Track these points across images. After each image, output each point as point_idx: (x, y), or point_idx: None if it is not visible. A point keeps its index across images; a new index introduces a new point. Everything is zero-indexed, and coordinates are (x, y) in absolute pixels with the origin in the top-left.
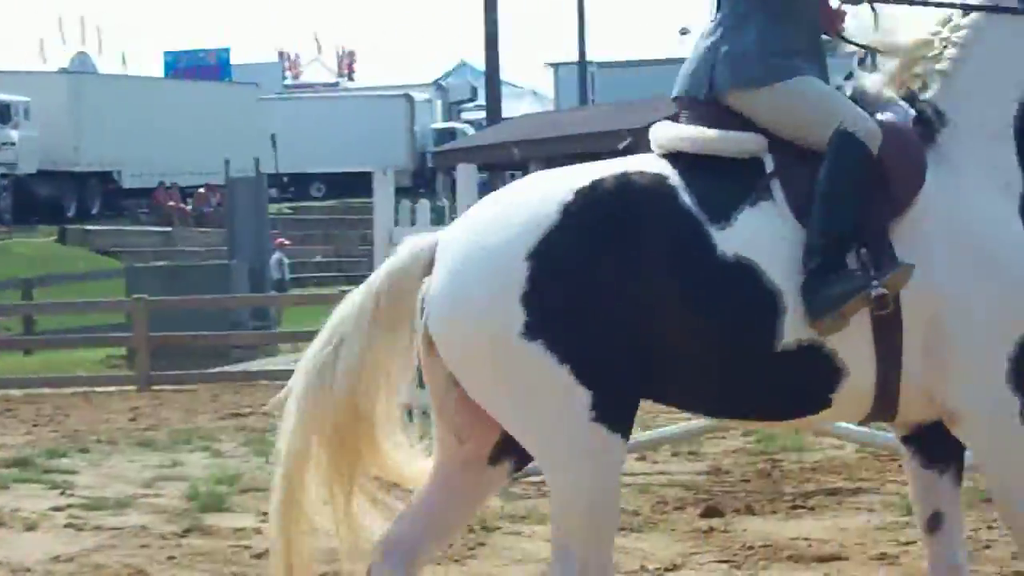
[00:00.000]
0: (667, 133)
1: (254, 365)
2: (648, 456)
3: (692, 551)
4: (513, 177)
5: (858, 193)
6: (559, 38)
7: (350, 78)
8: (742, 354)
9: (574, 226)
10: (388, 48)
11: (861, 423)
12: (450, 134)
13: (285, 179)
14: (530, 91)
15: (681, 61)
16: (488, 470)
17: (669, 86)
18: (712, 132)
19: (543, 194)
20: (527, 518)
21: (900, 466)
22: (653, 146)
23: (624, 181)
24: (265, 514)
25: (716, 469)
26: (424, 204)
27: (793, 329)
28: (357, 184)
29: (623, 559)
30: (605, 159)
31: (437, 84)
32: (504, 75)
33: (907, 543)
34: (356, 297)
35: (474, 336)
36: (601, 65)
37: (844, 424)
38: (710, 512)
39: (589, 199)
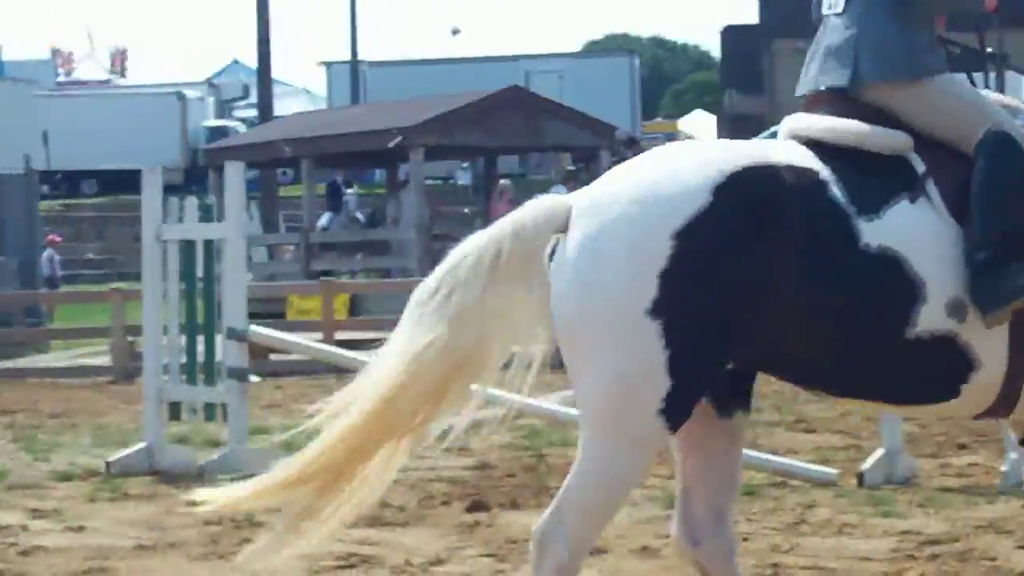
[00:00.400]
0: (808, 123)
1: (23, 362)
2: (416, 451)
3: (457, 545)
4: (285, 175)
5: (1018, 191)
6: (331, 37)
7: (123, 75)
8: (878, 337)
9: (725, 212)
10: (161, 46)
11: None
12: (222, 132)
13: (57, 176)
14: (303, 89)
15: (454, 61)
16: (722, 422)
17: (441, 85)
18: (862, 126)
19: (693, 171)
20: None
21: (662, 459)
22: (785, 135)
23: (775, 171)
24: (33, 511)
25: (483, 464)
26: (192, 201)
27: (930, 319)
28: (129, 181)
29: (388, 554)
30: (377, 157)
31: (209, 82)
32: (276, 73)
33: (668, 536)
34: (473, 246)
35: (601, 300)
36: (373, 64)
37: None
38: (476, 506)
39: (741, 185)
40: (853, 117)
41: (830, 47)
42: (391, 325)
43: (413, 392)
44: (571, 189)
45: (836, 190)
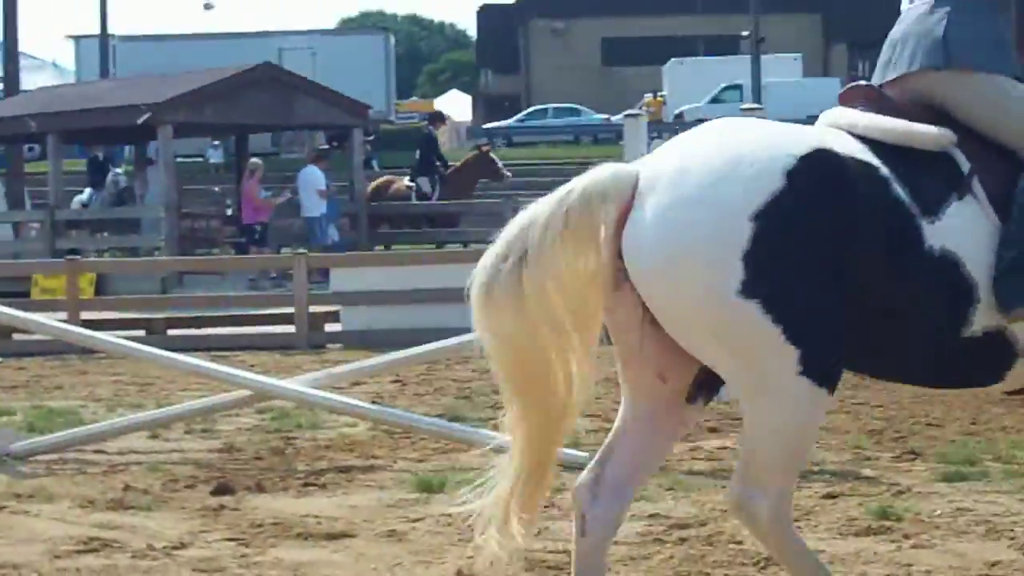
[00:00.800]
0: (852, 119)
1: None
2: (161, 434)
3: (201, 529)
4: (32, 151)
5: None
6: (81, 10)
7: None
8: (935, 336)
9: (800, 195)
10: None
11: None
12: None
13: None
14: (50, 63)
15: (206, 36)
16: (686, 407)
17: (192, 61)
18: (908, 123)
19: (763, 153)
20: (34, 497)
21: (412, 443)
22: (826, 126)
23: (841, 160)
24: None
25: (229, 447)
26: None
27: (983, 318)
28: None
29: (130, 538)
30: (126, 133)
31: None
32: (23, 47)
33: (416, 520)
34: (541, 209)
35: (688, 285)
36: (123, 38)
37: (358, 402)
38: (221, 490)
39: (813, 170)
40: (890, 112)
41: (915, 34)
42: (138, 304)
43: (499, 361)
44: (323, 168)
45: (898, 188)
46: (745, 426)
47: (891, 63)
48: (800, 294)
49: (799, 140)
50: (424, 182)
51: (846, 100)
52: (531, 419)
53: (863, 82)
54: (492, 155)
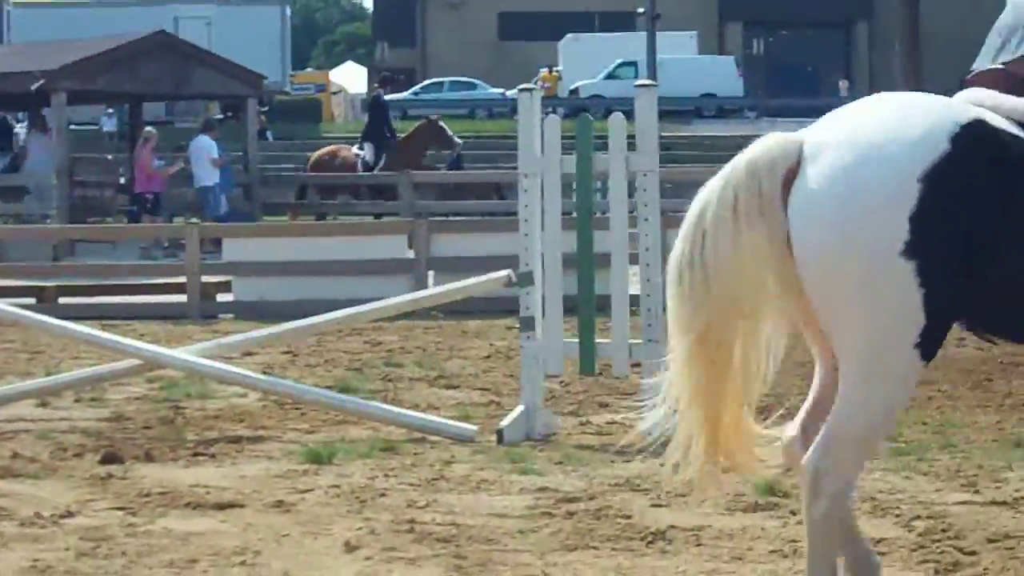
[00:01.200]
0: (995, 100)
1: None
2: (50, 402)
3: (89, 498)
4: None
5: None
6: None
7: None
8: None
9: (965, 160)
10: None
11: None
12: None
13: None
14: None
15: (102, 4)
16: None
17: (88, 28)
18: None
19: (928, 119)
20: None
21: (302, 414)
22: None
23: (996, 131)
24: None
25: (118, 416)
26: None
27: None
28: None
29: (17, 506)
30: (19, 100)
31: None
32: None
33: (305, 491)
34: (710, 192)
35: (853, 242)
36: (17, 5)
37: (248, 372)
38: (109, 459)
39: (976, 138)
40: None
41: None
42: (29, 272)
43: (688, 344)
44: (214, 137)
45: None
46: (840, 401)
47: (1002, 49)
48: (950, 261)
49: (958, 110)
50: (369, 149)
51: (977, 83)
52: (711, 400)
53: (996, 65)
54: (442, 123)
